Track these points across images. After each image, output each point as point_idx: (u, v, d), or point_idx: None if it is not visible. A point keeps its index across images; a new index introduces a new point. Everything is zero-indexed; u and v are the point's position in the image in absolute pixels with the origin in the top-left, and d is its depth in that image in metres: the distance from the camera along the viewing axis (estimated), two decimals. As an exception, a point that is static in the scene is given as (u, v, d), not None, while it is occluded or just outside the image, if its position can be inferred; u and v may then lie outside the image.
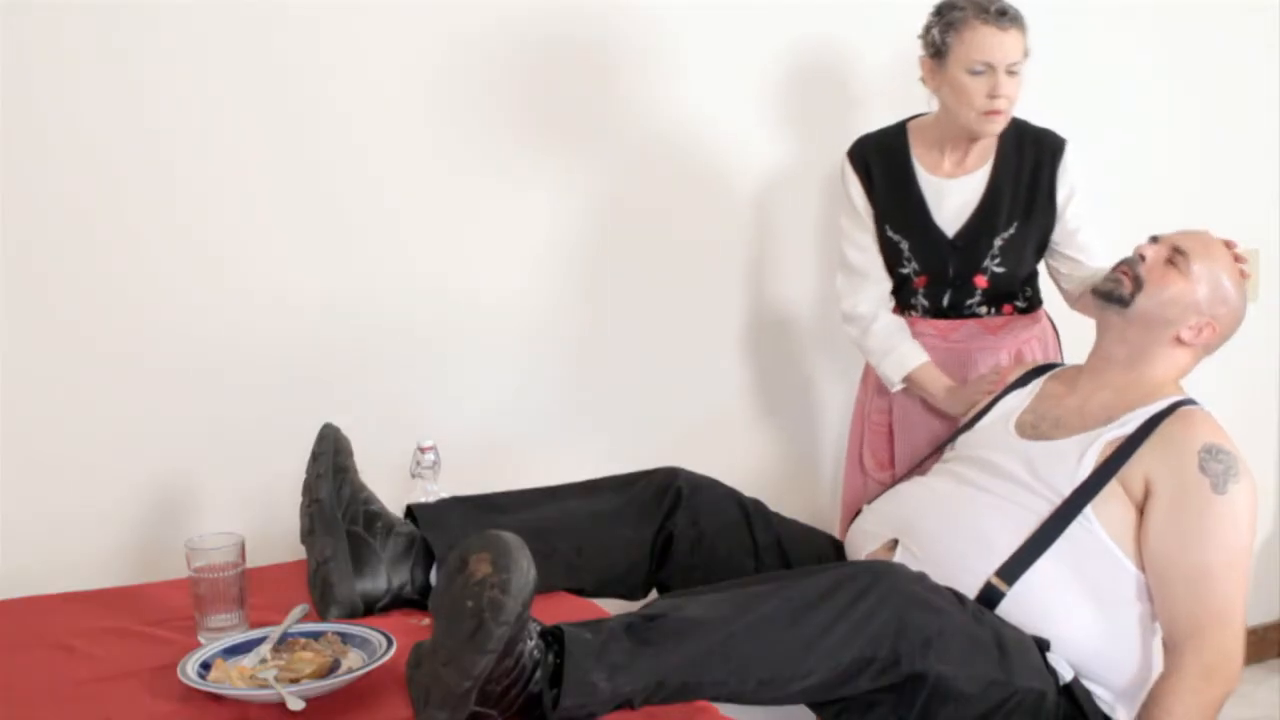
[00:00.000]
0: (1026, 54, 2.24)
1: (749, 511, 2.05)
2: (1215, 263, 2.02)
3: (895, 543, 1.98)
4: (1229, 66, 3.09)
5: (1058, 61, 2.86)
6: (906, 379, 2.39)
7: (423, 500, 2.04)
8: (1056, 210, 2.34)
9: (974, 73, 2.22)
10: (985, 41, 2.21)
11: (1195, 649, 1.82)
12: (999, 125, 2.27)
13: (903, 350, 2.39)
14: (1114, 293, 2.03)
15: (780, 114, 2.65)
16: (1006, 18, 2.21)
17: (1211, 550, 1.83)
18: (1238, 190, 3.12)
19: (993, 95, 2.22)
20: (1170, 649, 1.86)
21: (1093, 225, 2.35)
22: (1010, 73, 2.22)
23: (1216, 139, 3.10)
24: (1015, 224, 2.33)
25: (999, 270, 2.34)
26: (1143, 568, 1.87)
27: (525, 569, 1.43)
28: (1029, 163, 2.33)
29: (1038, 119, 2.40)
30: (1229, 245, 2.07)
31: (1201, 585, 1.83)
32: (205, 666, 1.59)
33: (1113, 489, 1.88)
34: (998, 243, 2.33)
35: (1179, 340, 2.01)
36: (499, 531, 1.46)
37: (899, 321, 2.43)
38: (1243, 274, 2.05)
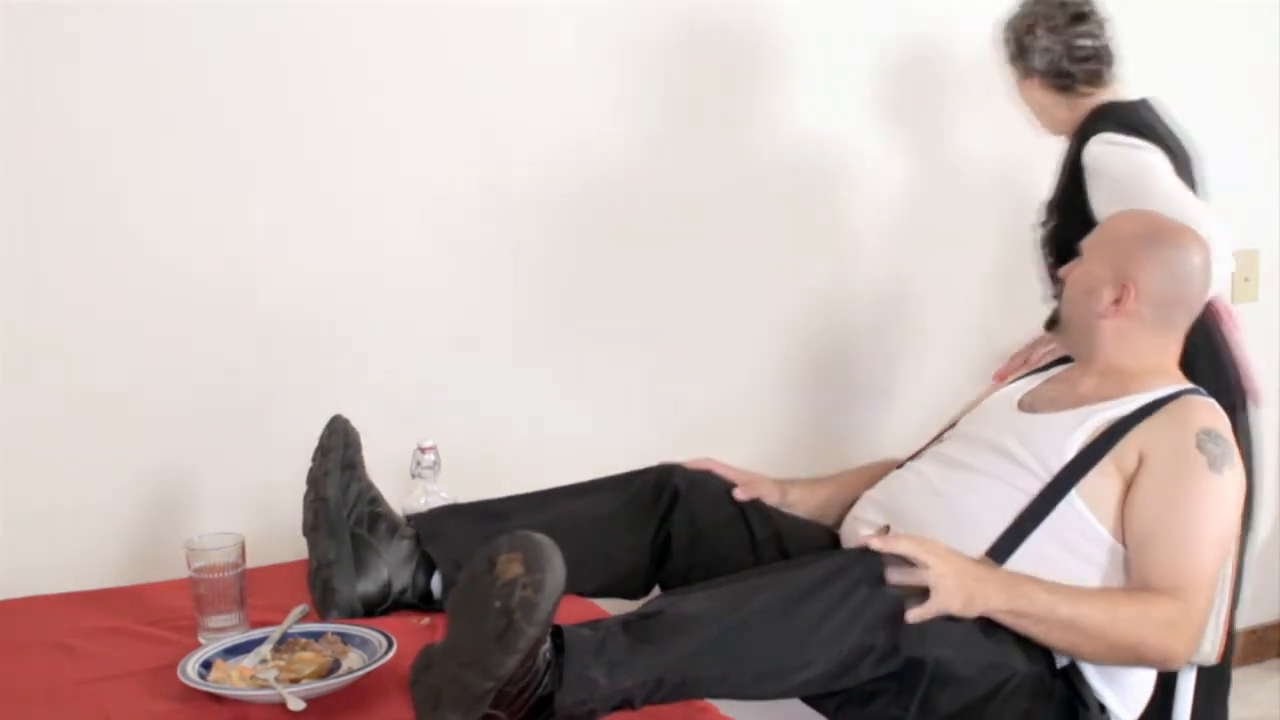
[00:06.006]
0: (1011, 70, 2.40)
1: (745, 507, 2.05)
2: (1111, 235, 2.00)
3: (887, 529, 1.97)
4: (1229, 66, 3.09)
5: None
6: None
7: (423, 501, 2.04)
8: (1092, 211, 2.27)
9: None
10: None
11: (1168, 601, 1.76)
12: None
13: None
14: (1053, 317, 2.10)
15: (783, 108, 2.65)
16: None
17: (1201, 523, 1.80)
18: (1237, 191, 3.11)
19: None
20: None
21: None
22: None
23: (1216, 139, 3.09)
24: (1055, 219, 2.37)
25: (1048, 262, 2.38)
26: (1124, 541, 1.84)
27: (559, 570, 1.41)
28: (1071, 155, 2.36)
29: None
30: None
31: (1186, 554, 1.79)
32: (205, 666, 1.59)
33: (1103, 465, 1.86)
34: (1041, 234, 2.40)
35: (1104, 315, 1.97)
36: (529, 533, 1.45)
37: None
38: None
